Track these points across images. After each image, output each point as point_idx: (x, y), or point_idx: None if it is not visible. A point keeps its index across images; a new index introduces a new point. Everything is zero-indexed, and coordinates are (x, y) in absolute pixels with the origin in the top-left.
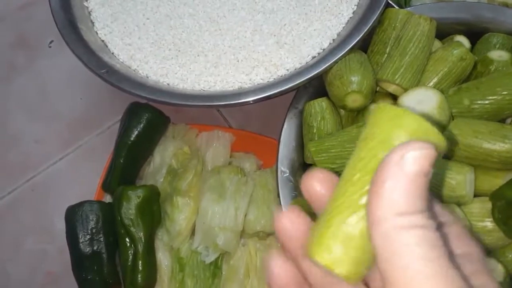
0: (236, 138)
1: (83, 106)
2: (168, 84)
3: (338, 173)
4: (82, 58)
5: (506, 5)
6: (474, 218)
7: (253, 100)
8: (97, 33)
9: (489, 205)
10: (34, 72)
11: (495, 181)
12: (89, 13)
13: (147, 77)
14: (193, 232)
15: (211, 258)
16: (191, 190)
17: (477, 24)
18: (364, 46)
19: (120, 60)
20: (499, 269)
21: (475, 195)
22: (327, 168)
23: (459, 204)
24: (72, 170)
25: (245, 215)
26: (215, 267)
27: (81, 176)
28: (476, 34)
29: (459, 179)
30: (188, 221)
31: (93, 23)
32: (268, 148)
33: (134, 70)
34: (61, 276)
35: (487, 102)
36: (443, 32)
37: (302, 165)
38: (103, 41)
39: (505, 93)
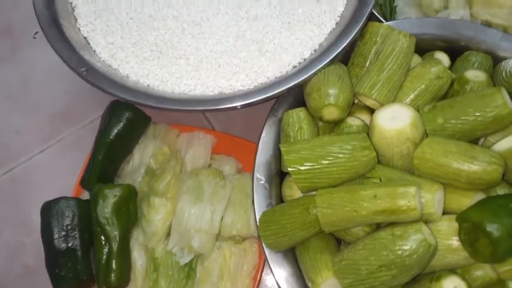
0: (218, 140)
1: (66, 99)
2: (148, 85)
3: (306, 174)
4: (62, 55)
5: (488, 24)
6: (441, 236)
7: (228, 108)
8: (79, 29)
9: (456, 224)
10: (18, 62)
11: (464, 201)
12: (73, 9)
13: (127, 77)
14: (169, 233)
15: (186, 259)
16: (168, 191)
17: (458, 41)
18: (346, 57)
19: (101, 58)
20: (462, 286)
21: (444, 213)
22: (296, 169)
23: (426, 222)
24: (52, 163)
25: (222, 218)
26: (189, 269)
27: (61, 170)
28: (456, 51)
29: (428, 198)
30: (164, 222)
31: (76, 19)
32: (249, 152)
33: (115, 69)
34: (37, 269)
35: (459, 122)
36: (424, 48)
37: (278, 173)
38: (85, 38)
39: (477, 114)
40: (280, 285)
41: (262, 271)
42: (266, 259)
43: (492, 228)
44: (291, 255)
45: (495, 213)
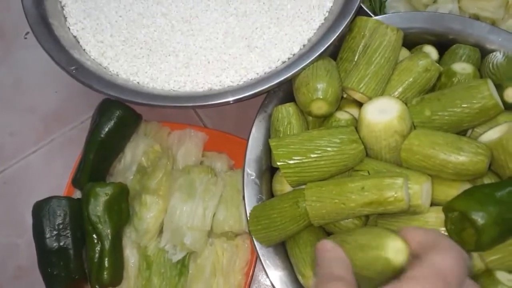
0: (209, 137)
1: (58, 100)
2: (138, 82)
3: (295, 168)
4: (52, 54)
5: (477, 17)
6: (429, 227)
7: (218, 103)
8: (69, 28)
9: (443, 214)
10: (10, 63)
11: (451, 192)
12: (62, 8)
13: (118, 75)
14: (161, 231)
15: (178, 256)
16: (160, 188)
17: (446, 35)
18: (335, 52)
19: (91, 57)
20: None
21: (432, 204)
22: (285, 163)
23: (415, 213)
24: (44, 164)
25: (214, 215)
26: (182, 266)
27: (53, 170)
28: (445, 44)
29: (416, 189)
30: (156, 219)
31: (65, 18)
32: (241, 148)
33: (105, 68)
34: (31, 270)
35: (446, 113)
36: (413, 41)
37: (269, 169)
38: (75, 37)
39: (464, 105)
40: (272, 279)
41: (255, 266)
42: (257, 254)
43: (477, 216)
44: (282, 249)
45: (481, 201)
